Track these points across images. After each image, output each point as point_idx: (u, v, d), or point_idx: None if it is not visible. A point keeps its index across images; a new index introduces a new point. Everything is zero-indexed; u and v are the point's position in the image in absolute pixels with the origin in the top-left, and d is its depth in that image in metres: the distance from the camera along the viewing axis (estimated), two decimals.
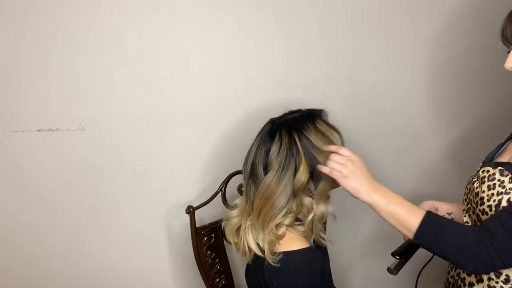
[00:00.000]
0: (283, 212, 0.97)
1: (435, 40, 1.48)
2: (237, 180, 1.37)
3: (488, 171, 0.94)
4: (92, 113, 1.28)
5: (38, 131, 1.25)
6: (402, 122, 1.53)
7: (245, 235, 1.01)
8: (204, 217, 1.37)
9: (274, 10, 1.36)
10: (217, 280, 1.36)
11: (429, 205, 1.14)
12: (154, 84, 1.31)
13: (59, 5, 1.19)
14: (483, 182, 0.94)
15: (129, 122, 1.31)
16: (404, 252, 1.05)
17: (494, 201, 0.89)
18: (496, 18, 0.96)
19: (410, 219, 0.88)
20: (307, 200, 0.99)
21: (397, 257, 1.03)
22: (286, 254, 0.96)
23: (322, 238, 1.05)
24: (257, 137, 1.04)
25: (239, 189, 1.37)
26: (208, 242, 1.32)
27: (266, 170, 0.99)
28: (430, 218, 0.89)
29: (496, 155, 1.00)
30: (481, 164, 1.02)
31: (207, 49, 1.34)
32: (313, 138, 0.98)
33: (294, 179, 0.97)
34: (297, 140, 0.98)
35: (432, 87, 1.52)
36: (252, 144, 1.04)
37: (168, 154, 1.37)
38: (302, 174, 0.97)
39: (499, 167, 0.91)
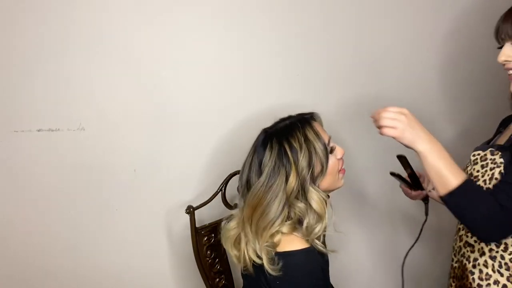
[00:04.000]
0: (279, 221, 0.97)
1: (434, 42, 1.49)
2: (237, 180, 1.36)
3: (479, 154, 1.01)
4: (92, 113, 1.27)
5: (38, 131, 1.25)
6: None
7: (246, 248, 1.00)
8: (204, 217, 1.37)
9: (274, 10, 1.36)
10: (217, 280, 1.36)
11: None
12: (155, 84, 1.31)
13: (59, 5, 1.19)
14: (475, 163, 1.00)
15: (129, 122, 1.31)
16: (401, 177, 1.16)
17: (488, 175, 0.94)
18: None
19: (451, 177, 0.89)
20: (300, 205, 0.99)
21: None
22: (287, 254, 0.96)
23: (320, 246, 1.03)
24: (251, 148, 1.05)
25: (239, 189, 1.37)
26: (208, 242, 1.32)
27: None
28: (469, 184, 0.90)
29: None
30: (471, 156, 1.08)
31: (207, 49, 1.34)
32: (300, 146, 0.98)
33: (286, 187, 0.97)
34: (287, 149, 0.98)
35: (429, 89, 1.53)
36: (247, 156, 1.05)
37: (168, 154, 1.37)
38: (292, 182, 0.97)
39: (490, 149, 0.98)
